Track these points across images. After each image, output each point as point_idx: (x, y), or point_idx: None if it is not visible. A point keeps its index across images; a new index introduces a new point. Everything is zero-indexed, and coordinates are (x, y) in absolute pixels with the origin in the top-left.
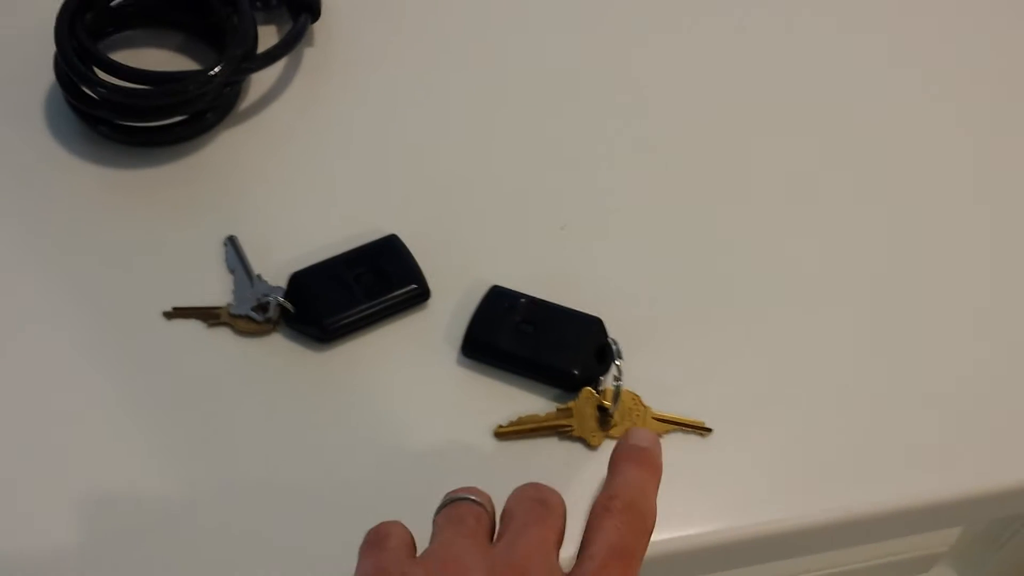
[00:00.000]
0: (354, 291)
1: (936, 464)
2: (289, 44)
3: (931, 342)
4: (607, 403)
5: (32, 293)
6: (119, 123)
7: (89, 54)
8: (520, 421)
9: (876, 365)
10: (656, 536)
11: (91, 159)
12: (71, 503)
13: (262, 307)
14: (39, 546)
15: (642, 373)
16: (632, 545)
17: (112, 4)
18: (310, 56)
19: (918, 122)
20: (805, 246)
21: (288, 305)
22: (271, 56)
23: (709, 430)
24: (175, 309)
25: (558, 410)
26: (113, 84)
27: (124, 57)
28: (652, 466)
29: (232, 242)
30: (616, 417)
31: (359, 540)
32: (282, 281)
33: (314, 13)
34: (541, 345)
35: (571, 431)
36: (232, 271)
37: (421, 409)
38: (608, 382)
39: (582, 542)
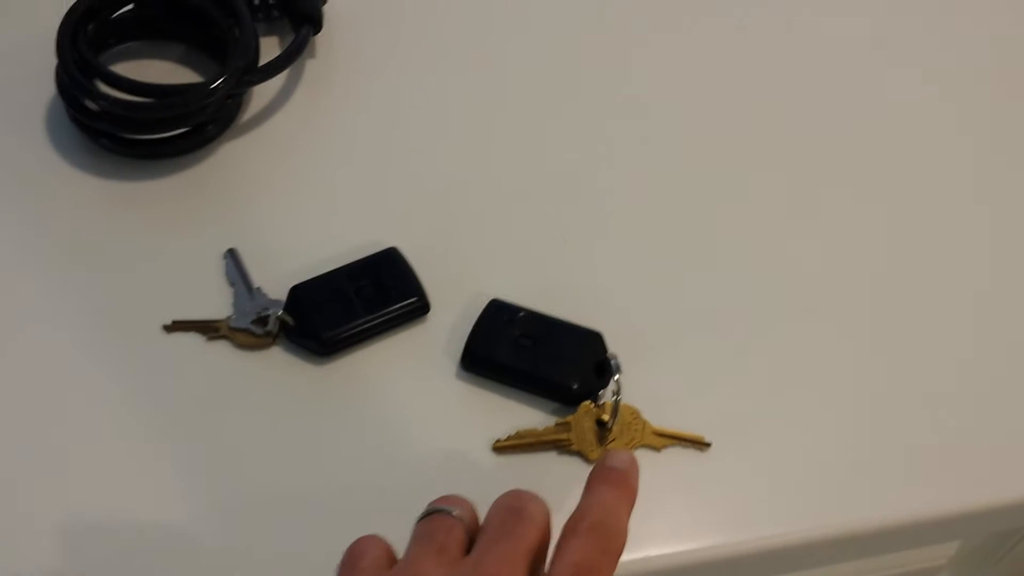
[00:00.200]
0: (354, 304)
1: (934, 478)
2: (291, 56)
3: (930, 355)
4: (606, 417)
5: (32, 305)
6: (120, 135)
7: (90, 66)
8: (519, 435)
9: (875, 379)
10: (654, 551)
11: (92, 171)
12: (69, 516)
13: (262, 320)
14: (34, 558)
15: (641, 387)
16: (596, 565)
17: (114, 16)
18: (312, 68)
19: (918, 126)
20: (805, 261)
21: (288, 318)
22: (273, 68)
23: (708, 444)
24: (174, 322)
25: (557, 424)
26: (114, 97)
27: (126, 69)
28: (626, 487)
29: (232, 255)
30: (615, 431)
31: None
32: (282, 294)
33: (316, 25)
34: (540, 359)
35: (570, 445)
36: (232, 284)
37: (420, 423)
38: (607, 396)
39: (549, 562)
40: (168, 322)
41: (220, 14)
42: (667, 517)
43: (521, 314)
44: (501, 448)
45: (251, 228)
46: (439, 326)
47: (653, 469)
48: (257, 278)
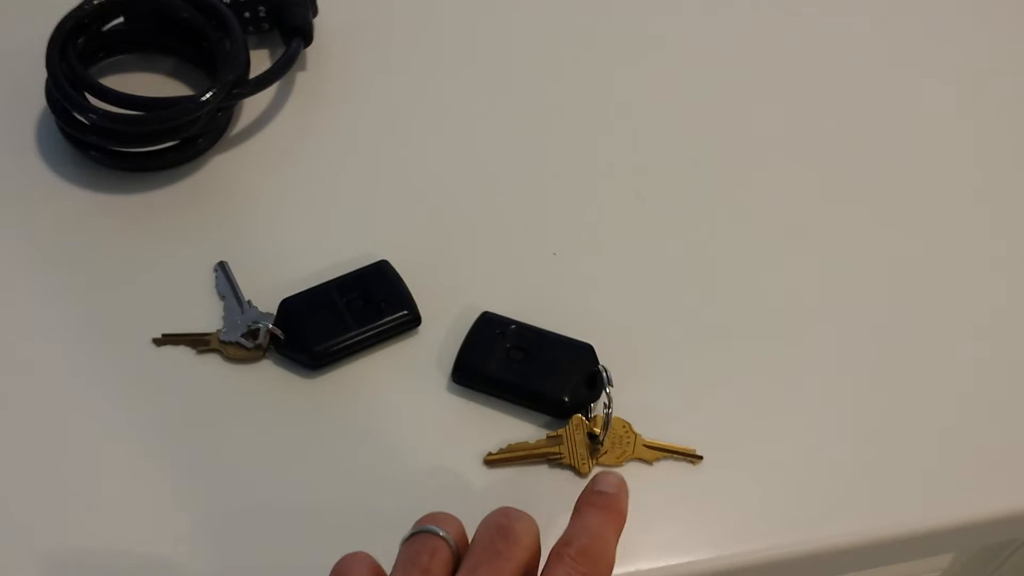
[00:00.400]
0: (344, 317)
1: (927, 491)
2: (281, 69)
3: (923, 370)
4: (597, 430)
5: (21, 318)
6: (110, 148)
7: (80, 80)
8: (510, 448)
9: (867, 393)
10: (645, 565)
11: (82, 184)
12: (59, 530)
13: (252, 333)
14: (21, 572)
15: (633, 400)
16: None
17: (104, 29)
18: (302, 81)
19: (919, 151)
20: (797, 273)
21: (278, 332)
22: (263, 81)
23: (700, 457)
24: (164, 335)
25: (548, 437)
26: (104, 110)
27: (116, 82)
28: (614, 512)
29: (223, 268)
30: (606, 444)
31: None
32: (272, 307)
33: (306, 38)
34: (531, 372)
35: (561, 458)
36: (222, 297)
37: (411, 436)
38: (599, 409)
39: None
40: (158, 335)
41: (210, 27)
42: (659, 530)
43: (512, 327)
44: (492, 461)
45: (242, 241)
46: (430, 339)
47: (645, 482)
48: (247, 291)
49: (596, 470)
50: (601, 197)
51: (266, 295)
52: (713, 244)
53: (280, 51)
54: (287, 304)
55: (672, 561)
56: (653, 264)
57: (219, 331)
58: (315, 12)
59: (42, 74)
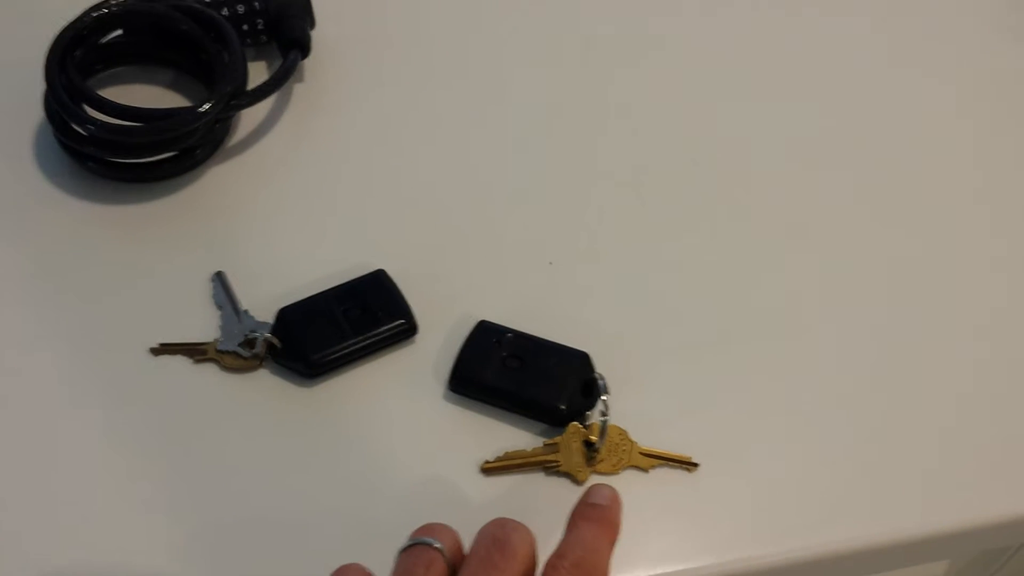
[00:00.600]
0: (341, 326)
1: (923, 497)
2: (279, 80)
3: (920, 374)
4: (594, 438)
5: (17, 328)
6: (108, 159)
7: (79, 91)
8: (507, 456)
9: (864, 398)
10: (643, 572)
11: (80, 195)
12: (54, 541)
13: (249, 343)
14: None
15: (629, 408)
16: None
17: (102, 41)
18: (300, 92)
19: (919, 151)
20: (794, 280)
21: (275, 341)
22: (261, 92)
23: (696, 465)
24: (161, 345)
25: (545, 445)
26: (102, 121)
27: (114, 94)
28: (608, 524)
29: (220, 278)
30: (603, 452)
31: None
32: (270, 316)
33: (304, 50)
34: (528, 380)
35: (558, 466)
36: (219, 307)
37: (408, 444)
38: (595, 417)
39: None
40: (155, 345)
41: (208, 39)
42: (655, 538)
43: (509, 335)
44: (489, 469)
45: (239, 251)
46: (427, 348)
47: (641, 490)
48: (245, 301)
49: (593, 478)
50: (597, 205)
51: (263, 305)
52: (708, 253)
53: (278, 63)
54: (284, 313)
55: (668, 569)
56: (649, 273)
57: (216, 340)
58: (312, 24)
59: (40, 85)
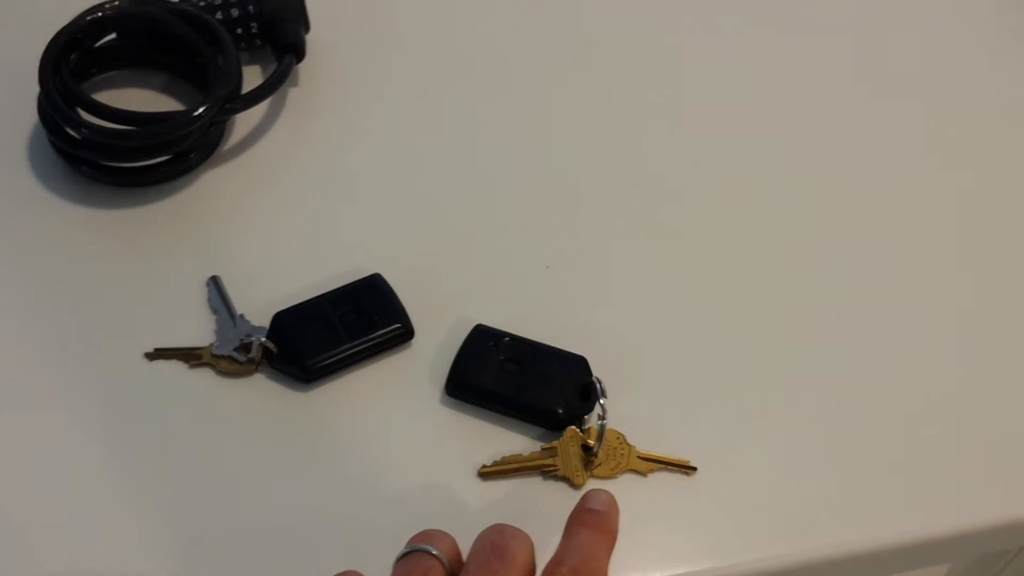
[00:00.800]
0: (337, 331)
1: (921, 501)
2: (273, 84)
3: (917, 379)
4: (591, 442)
5: (10, 332)
6: (102, 163)
7: (73, 95)
8: (504, 461)
9: (861, 403)
10: None
11: (74, 199)
12: (43, 549)
13: (245, 347)
14: None
15: (627, 412)
16: None
17: (97, 45)
18: (294, 96)
19: (919, 155)
20: (790, 284)
21: (271, 345)
22: (255, 96)
23: (694, 469)
24: (156, 350)
25: (542, 449)
26: (96, 125)
27: (108, 98)
28: (605, 530)
29: (215, 282)
30: (601, 456)
31: None
32: (265, 321)
33: (299, 54)
34: (525, 384)
35: (555, 470)
36: (215, 311)
37: (405, 449)
38: (592, 421)
39: None
40: (150, 350)
41: (203, 43)
42: (654, 542)
43: (506, 339)
44: (486, 474)
45: (234, 255)
46: (423, 352)
47: (639, 494)
48: (240, 305)
49: (591, 482)
50: (594, 209)
51: (259, 309)
52: (706, 256)
53: (272, 67)
54: (280, 318)
55: (667, 572)
56: (647, 276)
57: (211, 345)
58: (307, 28)
59: (34, 89)
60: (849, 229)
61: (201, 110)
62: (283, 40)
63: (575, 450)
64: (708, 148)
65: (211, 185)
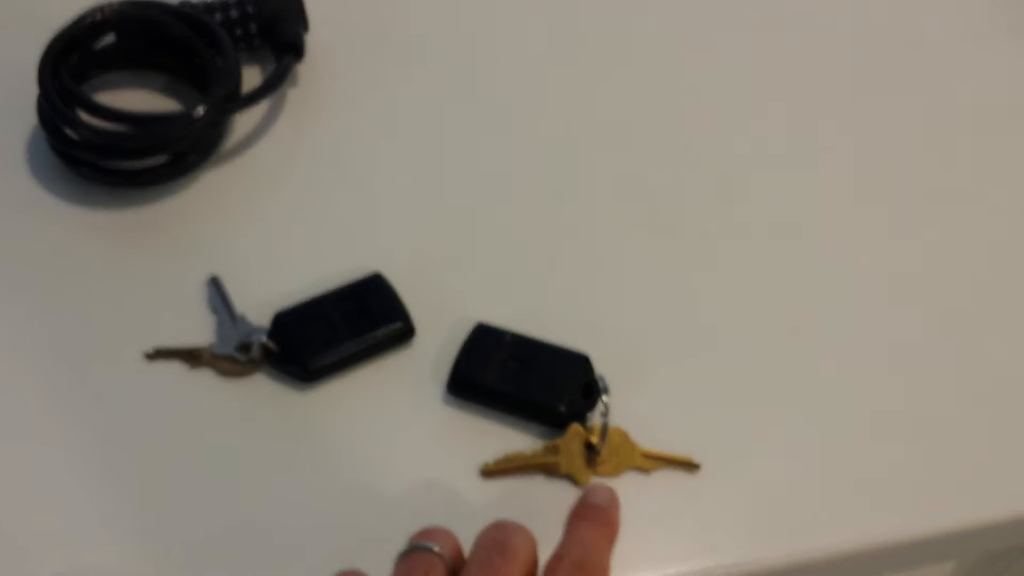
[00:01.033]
0: (338, 330)
1: (926, 497)
2: (273, 84)
3: (918, 376)
4: (594, 440)
5: (9, 334)
6: (102, 164)
7: (72, 96)
8: (507, 459)
9: (866, 400)
10: (646, 573)
11: (73, 201)
12: (41, 550)
13: (245, 347)
14: None
15: (630, 409)
16: None
17: (96, 47)
18: (294, 96)
19: (921, 153)
20: (793, 281)
21: (271, 345)
22: (255, 97)
23: (698, 466)
24: (157, 350)
25: (545, 447)
26: (96, 125)
27: (108, 99)
28: (606, 524)
29: (215, 283)
30: (604, 454)
31: None
32: (266, 321)
33: (298, 53)
34: (527, 382)
35: (558, 468)
36: (215, 311)
37: (407, 448)
38: (595, 419)
39: None
40: (150, 350)
41: (202, 44)
42: (657, 539)
43: (507, 337)
44: (489, 472)
45: (234, 255)
46: (425, 351)
47: (643, 491)
48: (240, 306)
49: (594, 480)
50: (594, 206)
51: (259, 309)
52: (709, 253)
53: (271, 67)
54: (280, 317)
55: (671, 570)
56: (649, 273)
57: (212, 345)
58: (306, 28)
59: (34, 91)
60: (854, 223)
61: (200, 111)
62: (282, 40)
63: (578, 448)
64: (708, 144)
65: (211, 186)
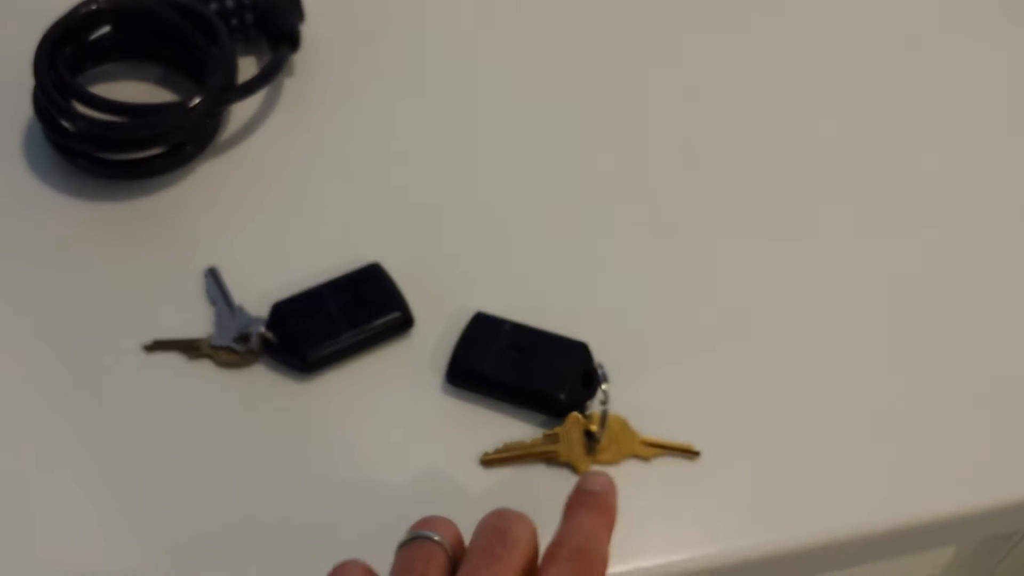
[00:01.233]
0: (337, 320)
1: (926, 482)
2: (268, 75)
3: (916, 363)
4: (594, 428)
5: (6, 326)
6: (98, 156)
7: (68, 87)
8: (507, 448)
9: (863, 387)
10: (646, 562)
11: (70, 193)
12: (42, 544)
13: (243, 338)
14: None
15: (629, 397)
16: None
17: (91, 38)
18: (290, 86)
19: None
20: (793, 267)
21: (270, 336)
22: (251, 87)
23: (698, 453)
24: (155, 342)
25: (545, 436)
26: (92, 116)
27: (103, 90)
28: (604, 511)
29: (213, 273)
30: (604, 442)
31: None
32: (264, 311)
33: (294, 44)
34: (527, 371)
35: (558, 457)
36: (213, 302)
37: (406, 438)
38: (595, 407)
39: None
40: (149, 342)
41: (198, 34)
42: (658, 527)
43: (506, 327)
44: (489, 461)
45: (231, 246)
46: (423, 341)
47: (642, 479)
48: (238, 296)
49: (593, 468)
50: (593, 194)
51: (257, 300)
52: (707, 240)
53: (267, 57)
54: (279, 308)
55: (672, 558)
56: (648, 261)
57: (210, 336)
58: (302, 18)
59: (29, 83)
60: (854, 216)
61: (197, 101)
62: (278, 30)
63: (578, 436)
64: (705, 132)
65: (208, 177)
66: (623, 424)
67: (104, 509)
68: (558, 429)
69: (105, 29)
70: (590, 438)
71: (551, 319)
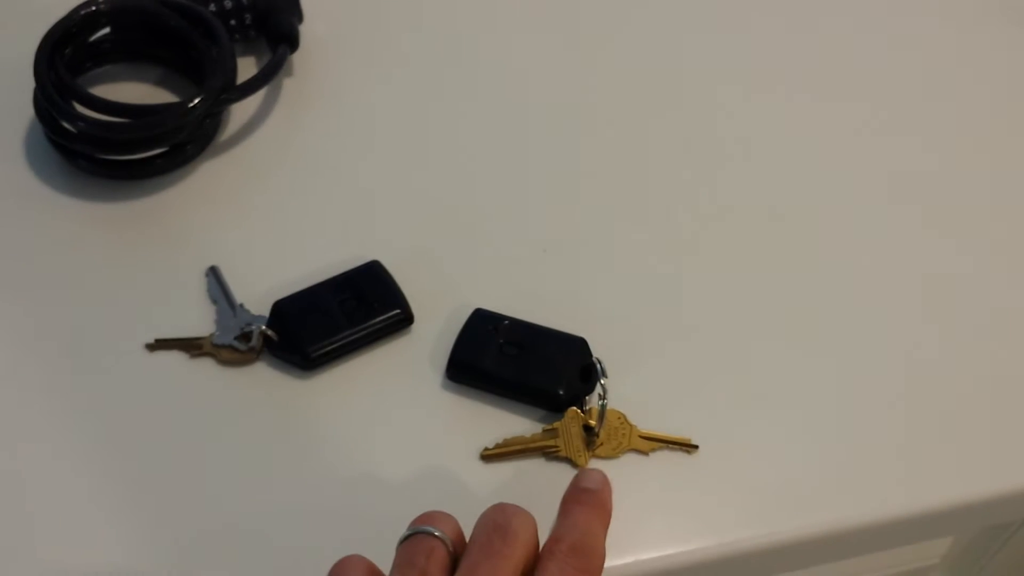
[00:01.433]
0: (337, 318)
1: (924, 472)
2: (268, 75)
3: (915, 355)
4: (593, 422)
5: (9, 326)
6: (99, 157)
7: (68, 88)
8: (506, 443)
9: (861, 379)
10: (645, 555)
11: (71, 193)
12: (48, 538)
13: (245, 336)
14: None
15: (627, 392)
16: None
17: (91, 39)
18: (289, 86)
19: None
20: (791, 263)
21: (271, 333)
22: (250, 87)
23: (696, 447)
24: (157, 341)
25: (544, 431)
26: (92, 117)
27: (104, 91)
28: (600, 507)
29: (214, 272)
30: (602, 436)
31: None
32: (265, 310)
33: (293, 44)
34: (525, 366)
35: (557, 451)
36: (214, 301)
37: (406, 434)
38: (593, 401)
39: None
40: (151, 341)
41: (197, 35)
42: (657, 520)
43: (505, 322)
44: (489, 456)
45: (232, 245)
46: (423, 337)
47: (641, 473)
48: (240, 295)
49: (593, 462)
50: (589, 191)
51: (258, 298)
52: (705, 235)
53: (267, 57)
54: (280, 306)
55: (670, 551)
56: (644, 256)
57: (212, 335)
58: (301, 19)
59: (30, 85)
60: (851, 211)
61: (196, 102)
62: (277, 31)
63: (577, 431)
64: (705, 128)
65: (208, 176)
66: (621, 418)
67: (105, 508)
68: (557, 424)
69: (105, 31)
70: (589, 432)
71: (550, 315)
